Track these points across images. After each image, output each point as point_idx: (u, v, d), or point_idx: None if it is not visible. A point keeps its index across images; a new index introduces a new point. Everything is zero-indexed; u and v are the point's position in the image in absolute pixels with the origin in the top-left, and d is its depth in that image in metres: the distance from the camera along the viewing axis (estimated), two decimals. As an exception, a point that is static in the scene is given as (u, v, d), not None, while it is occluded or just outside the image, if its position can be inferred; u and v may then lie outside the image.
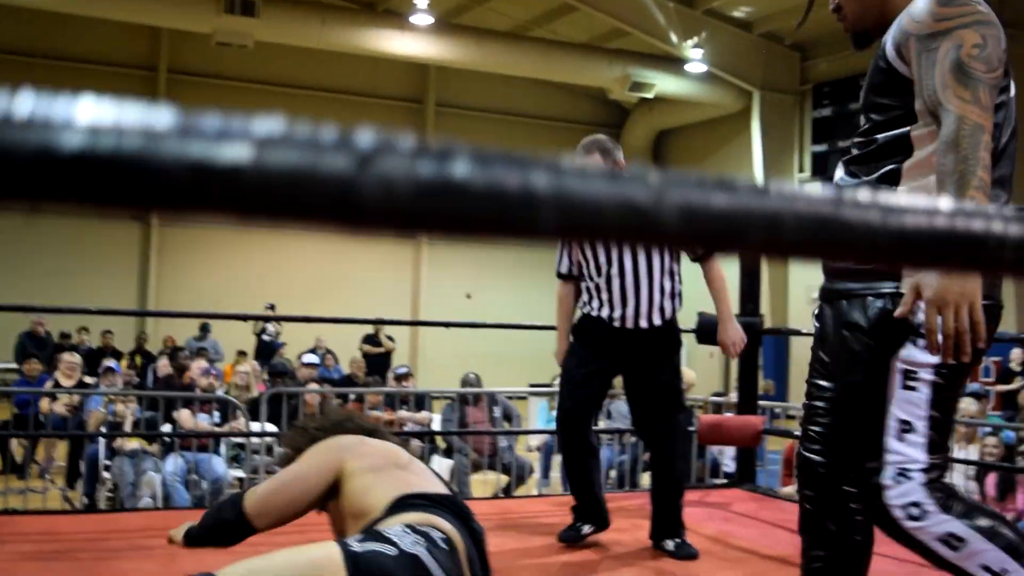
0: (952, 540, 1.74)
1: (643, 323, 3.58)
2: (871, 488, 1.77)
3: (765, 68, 15.95)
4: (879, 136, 1.87)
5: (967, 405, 6.77)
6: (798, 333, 5.37)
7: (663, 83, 15.87)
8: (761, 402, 6.65)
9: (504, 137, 18.23)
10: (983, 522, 1.74)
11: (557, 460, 7.27)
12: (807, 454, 2.02)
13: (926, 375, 1.75)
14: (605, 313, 3.62)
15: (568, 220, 0.38)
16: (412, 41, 14.51)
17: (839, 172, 1.99)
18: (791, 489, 6.18)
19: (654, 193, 0.39)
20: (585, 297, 3.72)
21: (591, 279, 3.63)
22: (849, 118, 15.22)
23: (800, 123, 16.53)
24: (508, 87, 17.88)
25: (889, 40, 1.85)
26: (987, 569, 1.72)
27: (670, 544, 3.57)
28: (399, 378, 8.04)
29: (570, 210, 0.38)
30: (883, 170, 1.85)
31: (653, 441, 3.75)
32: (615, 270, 3.52)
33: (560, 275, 3.80)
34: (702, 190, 0.41)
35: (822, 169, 15.72)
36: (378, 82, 17.26)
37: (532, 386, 9.26)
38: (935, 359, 1.71)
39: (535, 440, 7.87)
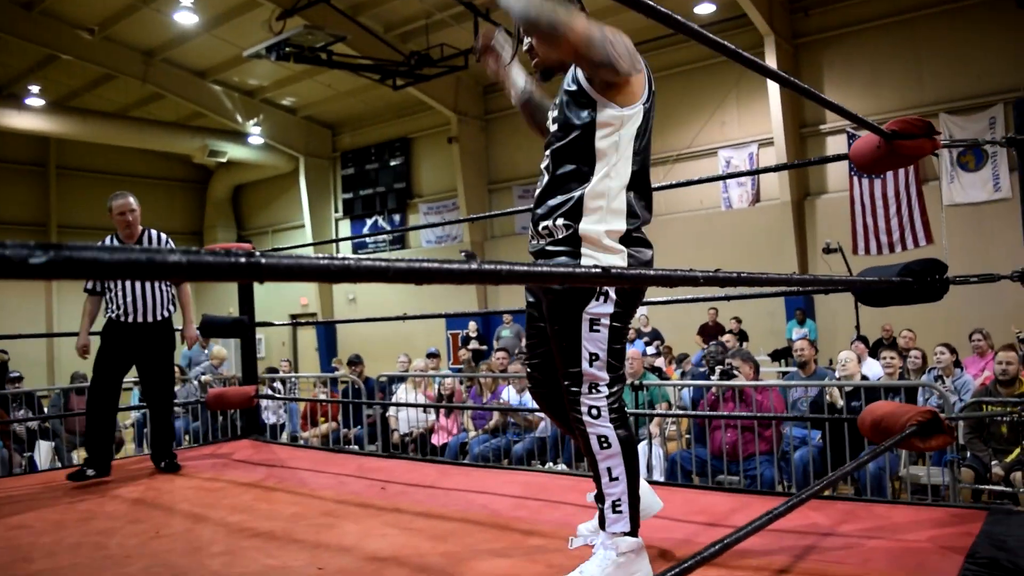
0: (604, 441, 2.11)
1: (150, 319, 4.06)
2: (573, 395, 2.13)
3: (307, 140, 19.81)
4: (576, 133, 2.13)
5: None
6: (340, 321, 6.27)
7: (233, 151, 19.18)
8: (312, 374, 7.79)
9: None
10: (623, 434, 2.12)
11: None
12: (536, 389, 2.43)
13: (604, 321, 2.08)
14: (120, 313, 4.02)
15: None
16: (30, 119, 16.32)
17: (547, 161, 2.22)
18: (308, 432, 7.40)
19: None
20: (110, 305, 4.09)
21: (110, 290, 4.09)
22: (365, 175, 19.34)
23: (333, 179, 20.31)
24: (118, 154, 19.95)
25: (581, 76, 2.15)
26: (608, 471, 2.11)
27: (162, 463, 4.18)
28: (12, 380, 8.87)
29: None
30: (582, 155, 2.12)
31: (157, 404, 4.25)
32: (127, 283, 3.87)
33: (87, 291, 4.16)
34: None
35: (349, 210, 19.87)
36: (4, 150, 18.83)
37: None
38: (611, 310, 2.07)
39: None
